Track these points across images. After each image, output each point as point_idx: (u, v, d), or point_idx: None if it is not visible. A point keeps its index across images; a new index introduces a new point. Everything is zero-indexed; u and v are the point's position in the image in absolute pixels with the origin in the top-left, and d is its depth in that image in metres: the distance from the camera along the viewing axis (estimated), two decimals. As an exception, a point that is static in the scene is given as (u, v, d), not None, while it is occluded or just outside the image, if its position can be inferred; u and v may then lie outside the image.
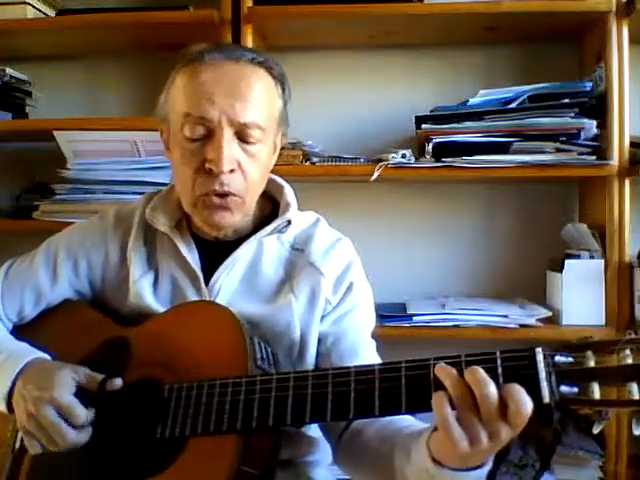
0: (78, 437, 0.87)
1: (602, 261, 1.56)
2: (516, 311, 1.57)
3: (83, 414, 0.87)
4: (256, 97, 0.93)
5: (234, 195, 0.94)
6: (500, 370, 0.70)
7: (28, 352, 0.96)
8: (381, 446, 0.88)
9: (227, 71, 0.92)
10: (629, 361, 0.65)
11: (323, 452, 1.05)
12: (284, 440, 0.90)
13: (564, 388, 0.67)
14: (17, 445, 0.95)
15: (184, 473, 0.83)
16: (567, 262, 1.57)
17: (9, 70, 1.75)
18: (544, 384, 0.67)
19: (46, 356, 0.96)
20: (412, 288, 1.81)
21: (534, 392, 0.67)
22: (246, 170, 0.94)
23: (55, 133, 1.62)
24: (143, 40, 1.77)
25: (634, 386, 0.64)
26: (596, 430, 0.68)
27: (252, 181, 0.96)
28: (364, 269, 1.08)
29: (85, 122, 1.71)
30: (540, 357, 0.69)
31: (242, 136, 0.93)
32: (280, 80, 0.99)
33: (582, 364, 0.68)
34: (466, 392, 0.68)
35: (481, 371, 0.69)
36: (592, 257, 1.57)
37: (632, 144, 1.55)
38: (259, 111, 0.93)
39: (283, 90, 1.00)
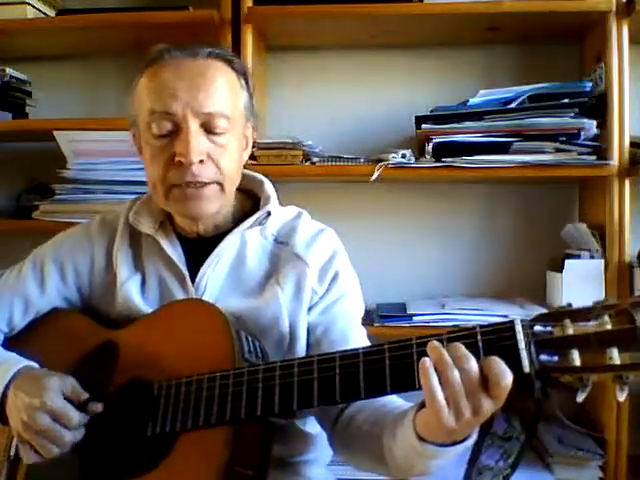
0: (73, 437, 0.87)
1: (602, 261, 1.56)
2: (516, 311, 1.57)
3: (76, 416, 0.88)
4: (218, 88, 0.95)
5: (210, 183, 0.95)
6: (480, 344, 0.70)
7: (16, 361, 0.96)
8: (372, 429, 0.88)
9: (187, 66, 0.94)
10: (608, 327, 0.65)
11: (321, 451, 1.06)
12: (280, 438, 0.90)
13: (544, 357, 0.68)
14: (12, 453, 0.95)
15: (175, 470, 0.83)
16: (567, 262, 1.57)
17: (9, 70, 1.75)
18: (524, 354, 0.68)
19: (34, 364, 0.96)
20: (412, 288, 1.81)
21: (514, 362, 0.67)
22: (217, 159, 0.95)
23: (55, 133, 1.62)
24: (143, 40, 1.75)
25: (614, 351, 0.64)
26: (580, 398, 0.67)
27: (226, 170, 0.96)
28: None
29: (85, 122, 1.71)
30: (519, 328, 0.69)
31: (208, 127, 0.94)
32: (242, 73, 1.00)
33: (561, 332, 0.68)
34: (449, 368, 0.69)
35: (461, 347, 0.69)
36: (592, 257, 1.57)
37: (632, 144, 1.55)
38: (222, 101, 0.95)
39: (247, 82, 1.01)
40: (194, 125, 0.93)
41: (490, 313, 1.57)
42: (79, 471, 0.91)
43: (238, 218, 1.05)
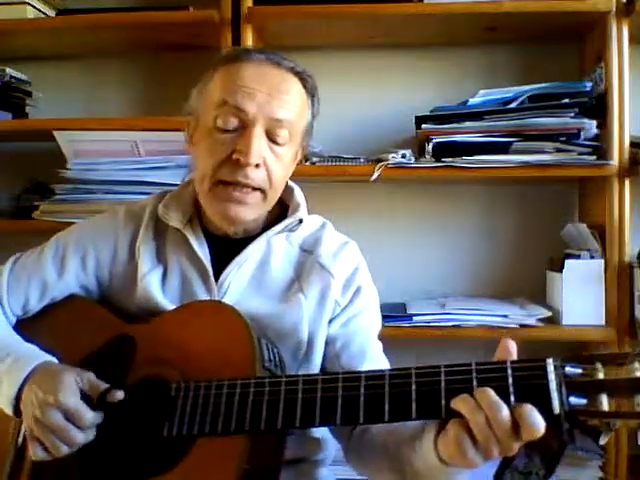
0: (85, 438, 0.87)
1: (602, 261, 1.56)
2: (516, 311, 1.57)
3: (89, 416, 0.87)
4: (291, 101, 0.97)
5: (255, 189, 0.96)
6: (511, 380, 0.70)
7: (35, 356, 0.95)
8: (387, 440, 0.88)
9: (268, 71, 0.96)
10: (638, 374, 0.66)
11: (327, 451, 1.06)
12: (290, 440, 0.90)
13: (574, 399, 0.68)
14: (20, 441, 0.95)
15: (191, 473, 0.83)
16: (567, 262, 1.57)
17: (9, 70, 1.75)
18: (555, 395, 0.68)
19: (53, 359, 0.95)
20: (412, 288, 1.81)
21: (544, 403, 0.67)
22: (271, 168, 0.96)
23: (55, 133, 1.62)
24: (143, 40, 1.76)
25: None
26: (603, 441, 0.68)
27: (275, 180, 0.97)
28: (368, 270, 1.08)
29: (85, 122, 1.70)
30: (551, 368, 0.69)
31: (271, 135, 0.95)
32: (312, 94, 1.03)
33: (592, 376, 0.68)
34: (482, 417, 0.68)
35: (492, 393, 0.69)
36: (592, 257, 1.57)
37: (632, 144, 1.55)
38: (292, 113, 0.97)
39: (312, 104, 1.03)
40: (260, 129, 0.94)
41: (490, 313, 1.57)
42: (89, 465, 0.90)
43: (267, 223, 1.05)
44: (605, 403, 0.66)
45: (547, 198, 1.80)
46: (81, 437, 0.86)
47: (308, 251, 1.05)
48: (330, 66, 1.84)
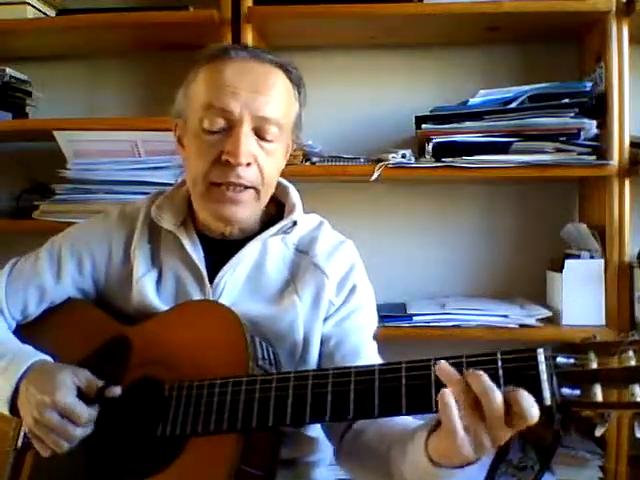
0: (83, 432, 0.88)
1: (602, 261, 1.56)
2: (516, 311, 1.57)
3: (85, 413, 0.87)
4: (277, 95, 0.95)
5: (249, 187, 0.95)
6: (501, 372, 0.69)
7: (31, 354, 0.96)
8: (380, 445, 0.88)
9: (251, 68, 0.95)
10: (632, 363, 0.65)
11: (324, 452, 1.06)
12: (285, 440, 0.90)
13: (566, 390, 0.66)
14: (19, 444, 0.95)
15: (185, 472, 0.83)
16: (567, 262, 1.57)
17: (9, 70, 1.75)
18: (545, 386, 0.67)
19: (48, 358, 0.96)
20: (412, 288, 1.81)
21: (535, 394, 0.66)
22: (262, 165, 0.95)
23: (55, 133, 1.62)
24: (143, 40, 1.76)
25: (636, 388, 0.63)
26: (598, 433, 0.67)
27: (268, 177, 0.97)
28: (364, 269, 1.08)
29: (85, 122, 1.70)
30: (542, 358, 0.68)
31: (260, 132, 0.94)
32: (297, 84, 1.01)
33: (584, 366, 0.67)
34: (468, 394, 0.67)
35: (486, 378, 0.67)
36: (592, 257, 1.57)
37: (632, 144, 1.55)
38: (279, 109, 0.95)
39: (299, 94, 1.02)
40: (247, 127, 0.93)
41: (490, 313, 1.57)
42: (87, 466, 0.91)
43: (263, 223, 1.05)
44: (599, 394, 0.65)
45: (547, 198, 1.80)
46: (80, 432, 0.87)
47: (303, 252, 1.04)
48: (330, 66, 1.84)
